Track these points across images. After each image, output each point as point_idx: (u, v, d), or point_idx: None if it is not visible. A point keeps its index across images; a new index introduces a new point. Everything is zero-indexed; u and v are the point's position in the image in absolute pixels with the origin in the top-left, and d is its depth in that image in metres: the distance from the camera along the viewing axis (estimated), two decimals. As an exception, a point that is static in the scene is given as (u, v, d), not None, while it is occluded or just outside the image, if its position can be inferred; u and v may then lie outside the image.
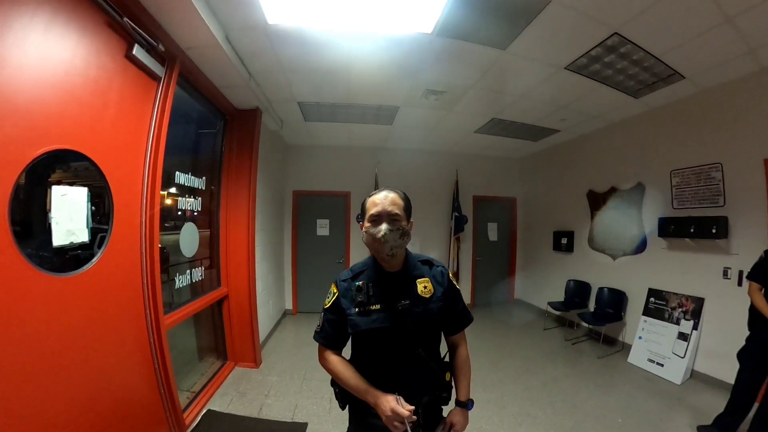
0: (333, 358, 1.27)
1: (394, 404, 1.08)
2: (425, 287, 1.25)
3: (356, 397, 1.19)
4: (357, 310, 1.21)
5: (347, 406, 1.31)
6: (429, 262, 1.33)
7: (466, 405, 1.27)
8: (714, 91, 3.24)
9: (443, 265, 1.35)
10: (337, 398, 1.31)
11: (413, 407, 1.08)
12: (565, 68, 2.94)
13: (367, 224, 1.21)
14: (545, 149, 5.79)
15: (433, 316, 1.23)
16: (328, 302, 1.28)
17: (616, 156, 4.40)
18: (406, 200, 1.26)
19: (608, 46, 2.60)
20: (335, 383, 1.29)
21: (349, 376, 1.21)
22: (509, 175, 6.59)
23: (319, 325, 1.30)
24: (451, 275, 1.34)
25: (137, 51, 1.94)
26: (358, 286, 1.22)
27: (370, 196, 1.25)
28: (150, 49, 2.06)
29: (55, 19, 1.50)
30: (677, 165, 3.57)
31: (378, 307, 1.20)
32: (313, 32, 2.49)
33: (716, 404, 2.61)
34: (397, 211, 1.19)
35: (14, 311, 1.36)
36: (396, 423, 1.06)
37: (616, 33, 2.43)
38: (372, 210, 1.20)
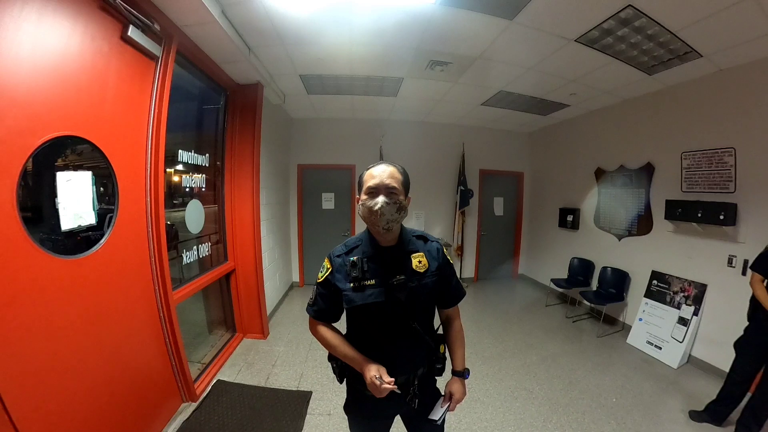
0: (322, 329, 1.31)
1: (373, 375, 1.13)
2: (420, 262, 1.26)
3: (353, 371, 1.24)
4: (352, 285, 1.21)
5: (345, 379, 1.37)
6: (423, 237, 1.34)
7: (462, 374, 1.32)
8: (732, 72, 3.07)
9: (438, 241, 1.36)
10: (334, 372, 1.36)
11: (392, 379, 1.13)
12: (575, 41, 2.79)
13: (363, 197, 1.19)
14: (554, 124, 5.64)
15: (427, 290, 1.25)
16: (321, 277, 1.29)
17: (627, 134, 4.26)
18: (405, 175, 1.24)
19: (621, 19, 2.45)
20: (332, 358, 1.34)
21: (338, 344, 1.26)
22: (517, 149, 6.46)
23: (312, 298, 1.32)
24: (445, 251, 1.35)
25: (132, 32, 1.92)
26: (353, 261, 1.22)
27: (367, 169, 1.23)
28: (145, 29, 2.02)
29: (46, 7, 1.48)
30: (689, 147, 3.45)
31: (372, 282, 1.21)
32: (312, 3, 2.40)
33: (710, 391, 2.67)
34: (394, 185, 1.18)
35: (27, 296, 1.44)
36: (378, 387, 1.11)
37: (630, 5, 2.29)
38: (369, 182, 1.18)
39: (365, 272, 1.21)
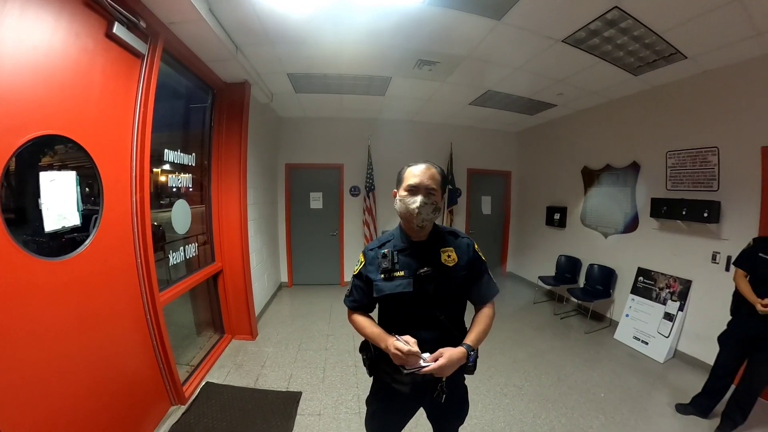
0: (356, 317, 1.40)
1: (394, 342, 1.18)
2: (449, 256, 1.31)
3: (383, 363, 1.29)
4: (382, 276, 1.29)
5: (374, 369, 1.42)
6: (454, 233, 1.40)
7: (469, 347, 1.22)
8: (716, 74, 3.15)
9: (469, 238, 1.40)
10: (365, 364, 1.42)
11: (414, 340, 1.17)
12: (562, 41, 2.83)
13: (403, 193, 1.27)
14: (542, 123, 5.71)
15: (455, 283, 1.30)
16: (356, 270, 1.39)
17: (613, 133, 4.34)
18: (443, 176, 1.32)
19: (608, 20, 2.49)
20: (363, 349, 1.40)
21: (368, 325, 1.35)
22: (505, 148, 6.52)
23: (348, 290, 1.43)
24: (476, 247, 1.38)
25: (117, 29, 1.87)
26: (384, 253, 1.30)
27: (409, 165, 1.30)
28: (131, 27, 1.98)
29: (29, 3, 1.44)
30: (673, 146, 3.54)
31: (402, 273, 1.28)
32: (300, 2, 2.38)
33: (696, 384, 2.73)
34: (434, 186, 1.25)
35: (12, 300, 1.40)
36: (402, 357, 1.15)
37: (616, 7, 2.33)
38: (410, 180, 1.26)
39: (395, 264, 1.28)
